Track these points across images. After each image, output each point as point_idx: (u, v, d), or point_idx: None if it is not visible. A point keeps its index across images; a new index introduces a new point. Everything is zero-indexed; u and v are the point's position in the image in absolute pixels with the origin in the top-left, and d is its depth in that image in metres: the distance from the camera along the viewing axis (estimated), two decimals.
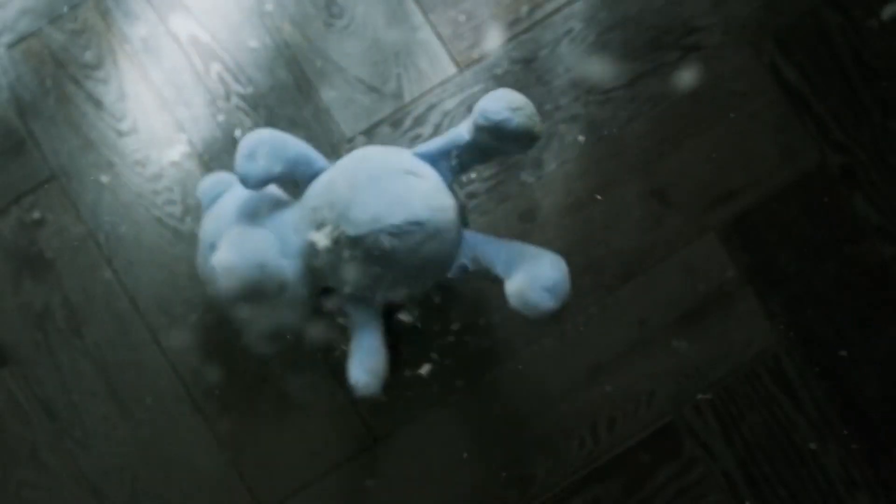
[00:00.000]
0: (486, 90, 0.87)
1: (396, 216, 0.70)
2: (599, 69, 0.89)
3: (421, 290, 0.78)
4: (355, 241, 0.70)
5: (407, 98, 0.89)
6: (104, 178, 0.88)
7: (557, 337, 0.87)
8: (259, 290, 0.73)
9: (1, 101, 0.89)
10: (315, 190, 0.76)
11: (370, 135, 0.88)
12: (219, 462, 0.87)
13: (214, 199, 0.81)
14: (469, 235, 0.77)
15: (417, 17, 0.89)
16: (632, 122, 0.89)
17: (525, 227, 0.87)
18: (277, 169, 0.74)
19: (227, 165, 0.88)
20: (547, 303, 0.73)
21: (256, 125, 0.88)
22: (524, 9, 0.89)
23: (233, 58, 0.89)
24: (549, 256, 0.75)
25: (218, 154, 0.88)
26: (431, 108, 0.88)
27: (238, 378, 0.87)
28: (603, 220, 0.88)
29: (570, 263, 0.88)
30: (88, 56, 0.89)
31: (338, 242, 0.72)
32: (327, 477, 0.87)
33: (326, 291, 0.81)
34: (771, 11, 0.89)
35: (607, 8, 0.89)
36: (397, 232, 0.70)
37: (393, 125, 0.88)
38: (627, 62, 0.89)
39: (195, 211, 0.88)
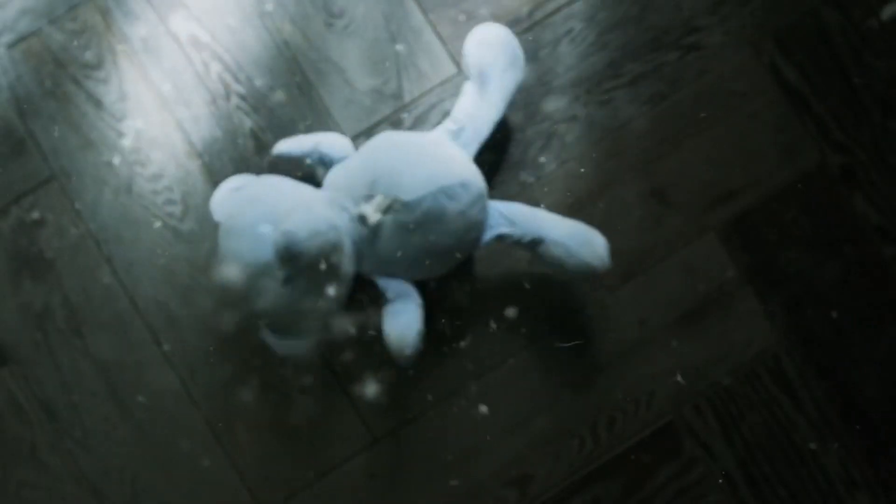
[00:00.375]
0: None
1: (448, 178, 0.75)
2: (599, 69, 0.89)
3: (455, 263, 0.80)
4: (411, 206, 0.74)
5: (407, 98, 0.89)
6: (104, 178, 0.88)
7: (557, 337, 0.87)
8: (334, 252, 0.74)
9: (1, 101, 0.89)
10: (347, 171, 0.79)
11: (370, 135, 0.88)
12: (219, 462, 0.87)
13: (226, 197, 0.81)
14: (500, 205, 0.81)
15: (417, 17, 0.89)
16: (632, 122, 0.89)
17: None
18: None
19: (228, 165, 0.88)
20: (598, 266, 0.80)
21: (257, 125, 0.88)
22: (524, 9, 0.89)
23: (233, 58, 0.89)
24: (590, 228, 0.82)
25: (218, 154, 0.88)
26: (431, 107, 0.88)
27: (238, 378, 0.87)
28: (603, 220, 0.88)
29: None
30: (88, 56, 0.89)
31: (388, 211, 0.75)
32: (327, 477, 0.87)
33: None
34: (771, 11, 0.89)
35: (607, 8, 0.89)
36: (451, 193, 0.75)
37: (393, 125, 0.88)
38: (627, 62, 0.89)
39: (195, 211, 0.88)
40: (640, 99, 0.89)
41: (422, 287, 0.82)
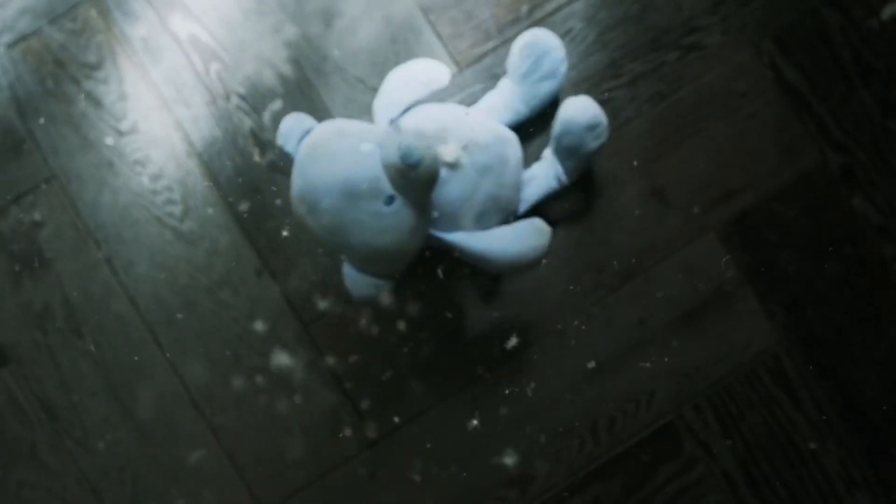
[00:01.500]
0: (485, 90, 0.87)
1: (504, 132, 0.81)
2: (599, 69, 0.89)
3: (505, 220, 0.82)
4: (483, 147, 0.78)
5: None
6: (104, 178, 0.88)
7: (557, 337, 0.88)
8: (438, 169, 0.73)
9: (1, 101, 0.89)
10: (414, 121, 0.79)
11: None
12: (219, 462, 0.87)
13: (300, 136, 0.77)
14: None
15: (417, 17, 0.89)
16: (632, 122, 0.89)
17: None
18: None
19: (228, 165, 0.88)
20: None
21: (257, 125, 0.88)
22: (524, 9, 0.89)
23: (233, 58, 0.89)
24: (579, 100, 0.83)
25: (218, 154, 0.88)
26: None
27: (238, 378, 0.87)
28: (603, 220, 0.88)
29: (570, 263, 0.88)
30: (88, 56, 0.89)
31: (465, 153, 0.78)
32: (327, 477, 0.87)
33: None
34: (771, 11, 0.89)
35: (607, 8, 0.89)
36: (510, 143, 0.81)
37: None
38: (627, 62, 0.89)
39: (195, 211, 0.88)
40: (640, 99, 0.89)
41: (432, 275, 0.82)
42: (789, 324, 0.88)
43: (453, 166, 0.77)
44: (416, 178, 0.71)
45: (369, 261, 0.75)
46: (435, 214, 0.77)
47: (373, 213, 0.72)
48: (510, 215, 0.82)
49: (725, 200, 0.89)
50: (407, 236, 0.74)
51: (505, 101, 0.85)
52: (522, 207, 0.84)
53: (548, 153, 0.85)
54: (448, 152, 0.77)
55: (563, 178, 0.84)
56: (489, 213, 0.79)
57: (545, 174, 0.84)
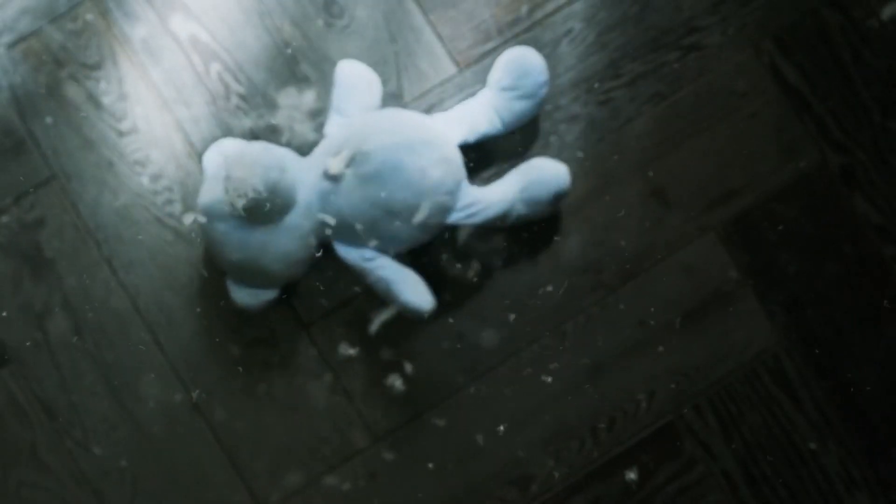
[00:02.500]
0: None
1: (409, 135, 0.78)
2: (599, 69, 0.89)
3: (422, 233, 0.80)
4: (368, 156, 0.77)
5: (407, 98, 0.89)
6: (104, 178, 0.88)
7: (557, 337, 0.87)
8: (276, 190, 0.76)
9: (1, 101, 0.89)
10: (331, 140, 0.81)
11: None
12: (219, 462, 0.87)
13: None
14: (473, 187, 0.83)
15: (417, 17, 0.89)
16: (632, 122, 0.89)
17: (525, 227, 0.87)
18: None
19: None
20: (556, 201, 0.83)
21: (257, 125, 0.88)
22: (524, 9, 0.89)
23: (233, 58, 0.89)
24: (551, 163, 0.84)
25: None
26: (431, 107, 0.88)
27: (238, 378, 0.87)
28: (603, 220, 0.88)
29: (570, 263, 0.88)
30: (88, 56, 0.89)
31: (350, 163, 0.77)
32: (327, 477, 0.87)
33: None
34: (771, 11, 0.89)
35: (607, 8, 0.89)
36: (409, 148, 0.77)
37: None
38: (627, 62, 0.89)
39: (195, 211, 0.88)
40: (640, 99, 0.89)
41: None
42: (789, 324, 0.88)
43: (336, 179, 0.78)
44: (250, 206, 0.76)
45: (236, 276, 0.82)
46: (331, 223, 0.79)
47: (228, 234, 0.79)
48: (433, 217, 0.80)
49: (725, 200, 0.88)
50: (271, 254, 0.79)
51: (481, 111, 0.84)
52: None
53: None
54: (332, 165, 0.77)
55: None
56: (382, 219, 0.78)
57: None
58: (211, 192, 0.80)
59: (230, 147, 0.84)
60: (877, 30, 0.89)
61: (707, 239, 0.88)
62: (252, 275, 0.81)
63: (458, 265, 0.87)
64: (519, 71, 0.83)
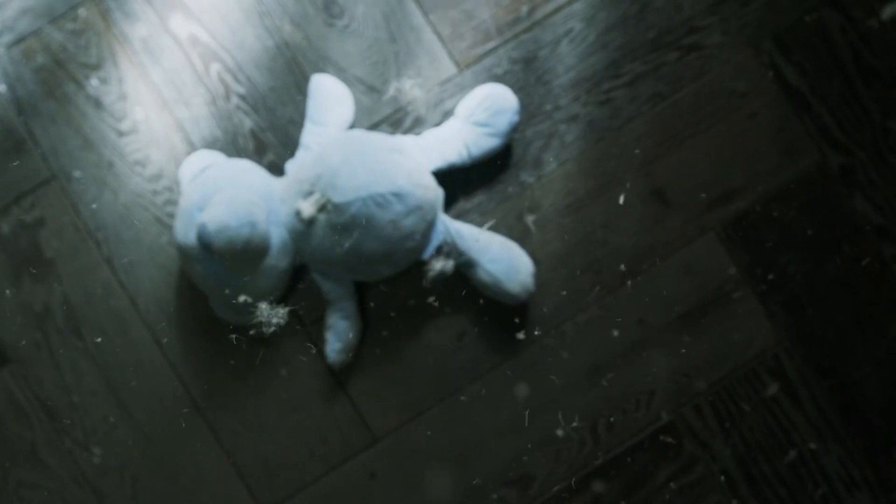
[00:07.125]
0: None
1: (381, 186, 0.77)
2: (599, 69, 0.89)
3: (394, 269, 0.82)
4: (340, 209, 0.77)
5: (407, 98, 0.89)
6: (104, 178, 0.88)
7: (557, 337, 0.88)
8: (247, 248, 0.77)
9: (1, 101, 0.89)
10: (303, 163, 0.81)
11: None
12: (219, 462, 0.87)
13: (196, 175, 0.84)
14: (446, 220, 0.83)
15: (417, 17, 0.89)
16: (632, 122, 0.89)
17: (525, 227, 0.87)
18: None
19: None
20: (521, 294, 0.83)
21: (257, 125, 0.88)
22: (524, 9, 0.89)
23: (233, 58, 0.89)
24: (521, 252, 0.84)
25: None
26: (431, 107, 0.88)
27: (238, 378, 0.87)
28: (603, 220, 0.88)
29: (570, 263, 0.88)
30: (88, 56, 0.89)
31: (322, 210, 0.77)
32: (327, 477, 0.87)
33: (303, 270, 0.85)
34: (771, 11, 0.89)
35: (607, 8, 0.89)
36: (381, 201, 0.77)
37: (393, 125, 0.88)
38: (627, 62, 0.89)
39: None
40: (640, 99, 0.89)
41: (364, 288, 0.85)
42: (789, 324, 0.88)
43: (309, 222, 0.79)
44: (217, 256, 0.77)
45: (216, 300, 0.84)
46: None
47: (201, 271, 0.80)
48: (405, 258, 0.81)
49: (725, 200, 0.89)
50: (235, 291, 0.80)
51: (451, 143, 0.84)
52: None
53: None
54: (304, 209, 0.78)
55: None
56: (356, 263, 0.80)
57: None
58: (185, 229, 0.80)
59: (203, 177, 0.83)
60: (877, 30, 0.89)
61: (707, 239, 0.88)
62: (232, 305, 0.82)
63: (450, 266, 0.87)
64: (494, 108, 0.84)
